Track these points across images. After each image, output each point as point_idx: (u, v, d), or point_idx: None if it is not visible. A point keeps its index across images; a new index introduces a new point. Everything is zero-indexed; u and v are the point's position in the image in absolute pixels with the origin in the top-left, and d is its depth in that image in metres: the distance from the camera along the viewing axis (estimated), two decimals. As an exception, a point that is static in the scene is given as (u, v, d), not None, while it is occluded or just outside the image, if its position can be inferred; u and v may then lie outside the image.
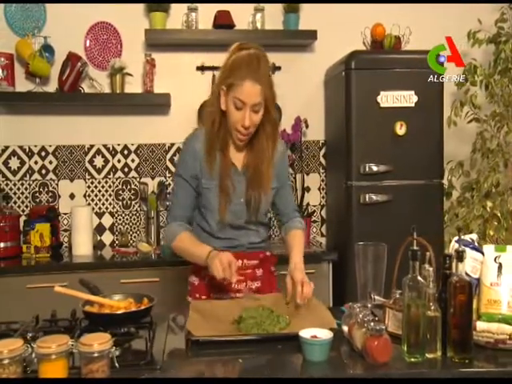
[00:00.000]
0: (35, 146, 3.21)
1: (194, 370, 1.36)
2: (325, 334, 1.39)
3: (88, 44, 3.23)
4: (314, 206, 3.45)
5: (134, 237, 3.26)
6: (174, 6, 3.25)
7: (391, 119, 2.88)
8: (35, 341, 1.22)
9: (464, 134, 3.13)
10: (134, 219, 3.31)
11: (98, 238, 3.25)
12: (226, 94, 1.82)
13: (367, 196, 2.88)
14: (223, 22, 3.23)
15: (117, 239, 3.27)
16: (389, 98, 2.88)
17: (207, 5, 3.24)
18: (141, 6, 3.23)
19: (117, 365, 1.24)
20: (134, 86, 3.24)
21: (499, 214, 2.77)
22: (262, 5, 3.26)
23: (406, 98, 2.89)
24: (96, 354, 1.18)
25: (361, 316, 1.42)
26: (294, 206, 2.12)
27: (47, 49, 3.07)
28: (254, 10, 3.27)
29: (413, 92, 2.90)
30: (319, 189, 3.45)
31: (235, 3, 3.25)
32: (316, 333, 1.39)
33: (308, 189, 3.42)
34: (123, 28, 3.26)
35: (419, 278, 1.38)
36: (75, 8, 3.17)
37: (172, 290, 2.73)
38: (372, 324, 1.35)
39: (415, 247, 1.42)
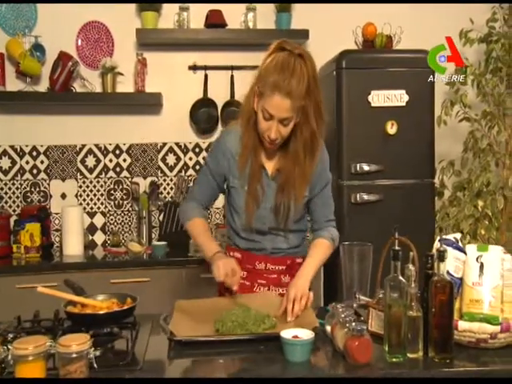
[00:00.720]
0: (26, 145, 3.20)
1: (174, 371, 1.36)
2: (306, 335, 1.38)
3: (80, 43, 3.23)
4: (307, 205, 3.44)
5: (126, 236, 3.25)
6: (165, 5, 3.25)
7: (382, 118, 2.87)
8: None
9: (456, 133, 3.12)
10: (126, 219, 3.30)
11: (90, 237, 3.25)
12: (257, 96, 1.74)
13: (358, 195, 2.88)
14: (215, 21, 3.23)
15: (108, 239, 3.26)
16: (380, 98, 2.88)
17: (199, 4, 3.24)
18: (132, 6, 3.23)
19: (95, 365, 1.23)
20: (125, 85, 3.24)
21: (490, 214, 2.76)
22: (253, 4, 3.26)
23: (397, 98, 2.89)
24: (74, 355, 1.18)
25: (343, 316, 1.42)
26: (329, 216, 1.99)
27: (38, 48, 3.07)
28: (245, 10, 3.27)
29: (404, 91, 2.89)
30: (311, 188, 3.43)
31: (227, 3, 3.25)
32: (297, 333, 1.39)
33: (300, 188, 3.41)
34: (115, 27, 3.26)
35: (400, 277, 1.38)
36: (67, 8, 3.16)
37: (163, 289, 2.74)
38: (353, 324, 1.35)
39: (397, 247, 1.42)
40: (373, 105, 2.88)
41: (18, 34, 3.07)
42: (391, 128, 2.87)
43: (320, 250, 1.92)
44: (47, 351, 1.18)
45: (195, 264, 2.80)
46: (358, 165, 2.87)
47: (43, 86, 3.15)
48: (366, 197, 2.89)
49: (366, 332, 1.34)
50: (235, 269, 1.71)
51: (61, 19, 3.17)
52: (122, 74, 3.19)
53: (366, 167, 2.88)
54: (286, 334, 1.38)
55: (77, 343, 1.19)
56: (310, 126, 1.77)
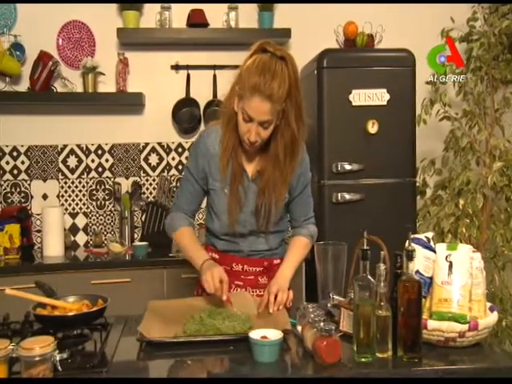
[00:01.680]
0: (6, 146, 3.18)
1: (140, 372, 1.35)
2: (275, 335, 1.38)
3: (60, 43, 3.21)
4: (290, 204, 3.43)
5: (108, 237, 3.23)
6: (147, 5, 3.24)
7: (363, 118, 2.87)
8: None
9: (438, 132, 3.13)
10: (108, 219, 3.28)
11: (72, 238, 3.23)
12: (238, 96, 1.72)
13: (340, 195, 2.87)
14: (197, 20, 3.21)
15: (91, 239, 3.25)
16: (361, 97, 2.87)
17: (181, 4, 3.22)
18: (114, 5, 3.21)
19: (59, 368, 1.22)
20: (107, 85, 3.22)
21: (471, 212, 2.77)
22: (235, 4, 3.25)
23: (378, 97, 2.88)
24: (37, 358, 1.17)
25: (312, 316, 1.42)
26: (308, 214, 1.99)
27: (18, 47, 3.05)
28: (227, 9, 3.26)
29: (385, 90, 2.88)
30: (295, 188, 3.43)
31: (209, 3, 3.24)
32: (266, 334, 1.38)
33: (284, 188, 3.41)
34: (96, 27, 3.24)
35: (369, 277, 1.38)
36: (47, 7, 3.14)
37: (144, 290, 2.72)
38: (322, 324, 1.35)
39: (366, 247, 1.42)
40: (354, 104, 2.87)
41: (-3, 33, 3.05)
42: (372, 127, 2.87)
43: (298, 249, 1.93)
44: (8, 355, 1.17)
45: (176, 264, 2.78)
46: (339, 164, 2.86)
47: (23, 86, 3.12)
48: (347, 196, 2.88)
49: (334, 332, 1.34)
50: (223, 278, 1.68)
51: (41, 19, 3.15)
52: (103, 74, 3.17)
53: (347, 166, 2.87)
54: (255, 334, 1.37)
55: (40, 346, 1.17)
56: (291, 129, 1.76)
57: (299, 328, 1.49)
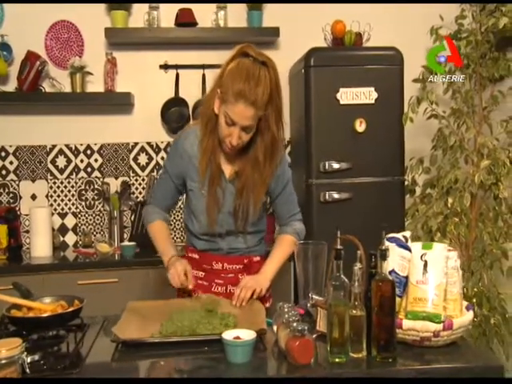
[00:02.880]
0: (-5, 146, 3.18)
1: (112, 372, 1.33)
2: (248, 335, 1.37)
3: (48, 43, 3.20)
4: (280, 204, 3.42)
5: (97, 237, 3.22)
6: (135, 4, 3.23)
7: (351, 116, 2.87)
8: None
9: (426, 130, 3.12)
10: (98, 219, 3.28)
11: (61, 238, 3.22)
12: (220, 99, 1.72)
13: (327, 194, 2.87)
14: (185, 20, 3.20)
15: (80, 240, 3.24)
16: (348, 95, 2.87)
17: (169, 3, 3.21)
18: (102, 5, 3.20)
19: (28, 371, 1.21)
20: (95, 85, 3.21)
21: (459, 210, 2.76)
22: (224, 3, 3.23)
23: (365, 95, 2.88)
24: (3, 361, 1.16)
25: (286, 316, 1.41)
26: (293, 210, 2.00)
27: (5, 47, 3.04)
28: (216, 8, 3.25)
29: (373, 89, 2.88)
30: (285, 187, 3.42)
31: (197, 2, 3.23)
32: (239, 334, 1.38)
33: (274, 187, 3.40)
34: (84, 27, 3.23)
35: (343, 277, 1.37)
36: (35, 7, 3.13)
37: (130, 290, 2.71)
38: (294, 324, 1.34)
39: (339, 246, 1.41)
40: (341, 102, 2.87)
41: (-18, 33, 3.04)
42: (360, 126, 2.86)
43: (282, 247, 1.94)
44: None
45: (163, 264, 2.76)
46: (326, 163, 2.86)
47: (11, 86, 3.12)
48: (335, 195, 2.88)
49: (307, 332, 1.33)
50: (185, 268, 1.76)
51: (28, 19, 3.14)
52: (91, 74, 3.16)
53: (335, 165, 2.87)
54: (228, 335, 1.37)
55: (6, 348, 1.16)
56: (271, 132, 1.79)
57: (275, 328, 1.48)
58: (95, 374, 1.31)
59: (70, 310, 1.50)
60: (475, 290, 2.79)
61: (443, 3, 3.15)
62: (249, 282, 1.77)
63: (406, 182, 3.01)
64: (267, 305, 1.93)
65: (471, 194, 2.70)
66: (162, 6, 3.20)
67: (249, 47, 1.73)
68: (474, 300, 2.77)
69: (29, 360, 1.25)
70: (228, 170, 1.86)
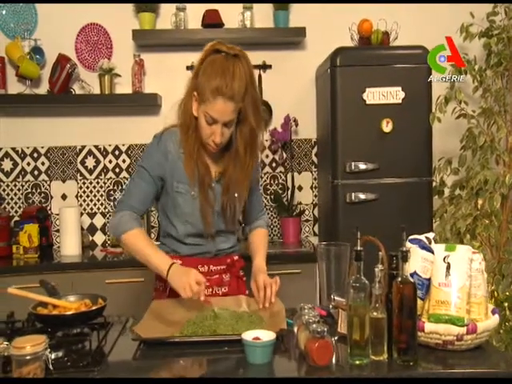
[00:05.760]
0: (27, 147, 3.25)
1: (132, 371, 1.35)
2: (268, 336, 1.37)
3: (78, 46, 3.27)
4: (307, 204, 3.42)
5: (125, 237, 3.26)
6: (162, 6, 3.26)
7: (377, 116, 2.83)
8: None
9: (455, 130, 3.06)
10: (126, 219, 3.32)
11: (90, 238, 3.28)
12: (197, 101, 1.73)
13: (353, 195, 2.84)
14: (212, 21, 3.22)
15: (108, 239, 3.29)
16: (375, 95, 2.83)
17: (196, 4, 3.24)
18: (130, 7, 3.25)
19: (51, 367, 1.24)
20: (123, 86, 3.26)
21: (489, 211, 2.69)
22: (250, 3, 3.24)
23: (392, 95, 2.84)
24: (28, 357, 1.18)
25: (306, 317, 1.40)
26: (262, 207, 2.10)
27: (37, 51, 3.12)
28: (242, 9, 3.26)
29: (400, 88, 2.84)
30: (311, 187, 3.42)
31: (224, 3, 3.24)
32: (259, 335, 1.38)
33: (300, 187, 3.40)
34: (113, 29, 3.29)
35: (363, 278, 1.35)
36: (65, 10, 3.20)
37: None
38: (314, 326, 1.33)
39: (359, 248, 1.39)
40: (368, 102, 2.83)
41: (17, 37, 3.12)
42: (387, 126, 2.82)
43: (264, 240, 2.01)
44: (1, 353, 1.19)
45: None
46: (353, 163, 2.83)
47: (43, 89, 3.20)
48: (361, 196, 2.85)
49: (326, 334, 1.32)
50: (200, 280, 1.62)
51: (60, 22, 3.21)
52: (119, 76, 3.21)
53: (361, 166, 2.84)
54: (247, 335, 1.37)
55: (31, 345, 1.19)
56: (249, 124, 1.79)
57: (295, 329, 1.48)
58: (116, 371, 1.33)
59: (94, 308, 1.52)
60: (507, 293, 2.72)
61: (474, 3, 3.08)
62: (263, 279, 1.77)
63: (434, 183, 2.95)
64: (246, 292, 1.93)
65: (502, 195, 2.63)
66: (188, 7, 3.23)
67: (218, 43, 1.75)
68: (506, 304, 2.70)
69: (53, 356, 1.28)
70: (213, 169, 1.85)
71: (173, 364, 1.39)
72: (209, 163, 1.84)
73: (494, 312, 1.45)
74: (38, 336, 1.26)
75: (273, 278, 1.78)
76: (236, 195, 1.85)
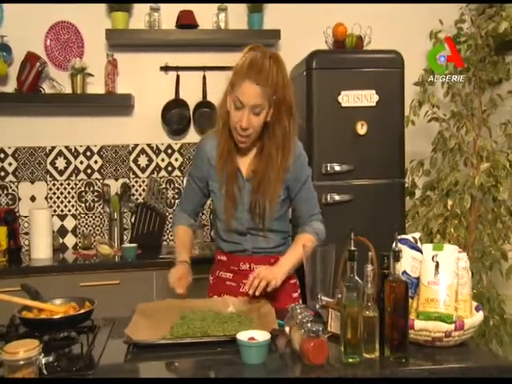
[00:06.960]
0: (-6, 147, 3.16)
1: (127, 374, 1.33)
2: (262, 336, 1.37)
3: (48, 44, 3.19)
4: (280, 206, 3.43)
5: (97, 239, 3.21)
6: (136, 5, 3.23)
7: (352, 119, 2.88)
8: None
9: (426, 133, 3.15)
10: (98, 221, 3.27)
11: (61, 240, 3.21)
12: (230, 93, 1.81)
13: (329, 196, 2.88)
14: (186, 21, 3.21)
15: (79, 242, 3.23)
16: (350, 98, 2.88)
17: (170, 5, 3.22)
18: (102, 6, 3.20)
19: (45, 372, 1.21)
20: (96, 86, 3.20)
21: (459, 213, 2.78)
22: (225, 4, 3.24)
23: (367, 98, 2.89)
24: (21, 362, 1.15)
25: (300, 317, 1.42)
26: (313, 210, 2.01)
27: (4, 48, 3.02)
28: (217, 10, 3.26)
29: (374, 91, 2.89)
30: (285, 189, 3.43)
31: (198, 3, 3.23)
32: (254, 335, 1.38)
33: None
34: (85, 28, 3.23)
35: (356, 278, 1.38)
36: (34, 8, 3.12)
37: (133, 292, 2.70)
38: (309, 325, 1.35)
39: (352, 247, 1.42)
40: (343, 105, 2.88)
41: (-19, 34, 3.02)
42: (361, 128, 2.87)
43: (297, 245, 1.91)
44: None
45: (166, 266, 2.74)
46: (328, 165, 2.86)
47: (11, 87, 3.11)
48: (336, 197, 2.88)
49: (321, 333, 1.34)
50: (184, 275, 1.85)
51: (28, 19, 3.13)
52: (92, 75, 3.16)
53: (336, 167, 2.87)
54: (242, 336, 1.37)
55: (24, 350, 1.16)
56: (282, 125, 1.84)
57: (287, 329, 1.49)
58: (110, 374, 1.31)
59: (82, 311, 1.49)
60: (475, 291, 2.82)
61: (444, 3, 3.17)
62: (262, 271, 1.78)
63: (407, 185, 3.03)
64: (295, 295, 1.98)
65: (471, 197, 2.72)
66: (162, 7, 3.21)
67: (253, 45, 1.83)
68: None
69: (44, 361, 1.25)
70: (245, 169, 1.91)
71: (167, 366, 1.38)
72: (242, 163, 1.91)
73: (477, 309, 1.50)
74: (31, 340, 1.23)
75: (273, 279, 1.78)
76: (266, 194, 1.87)
